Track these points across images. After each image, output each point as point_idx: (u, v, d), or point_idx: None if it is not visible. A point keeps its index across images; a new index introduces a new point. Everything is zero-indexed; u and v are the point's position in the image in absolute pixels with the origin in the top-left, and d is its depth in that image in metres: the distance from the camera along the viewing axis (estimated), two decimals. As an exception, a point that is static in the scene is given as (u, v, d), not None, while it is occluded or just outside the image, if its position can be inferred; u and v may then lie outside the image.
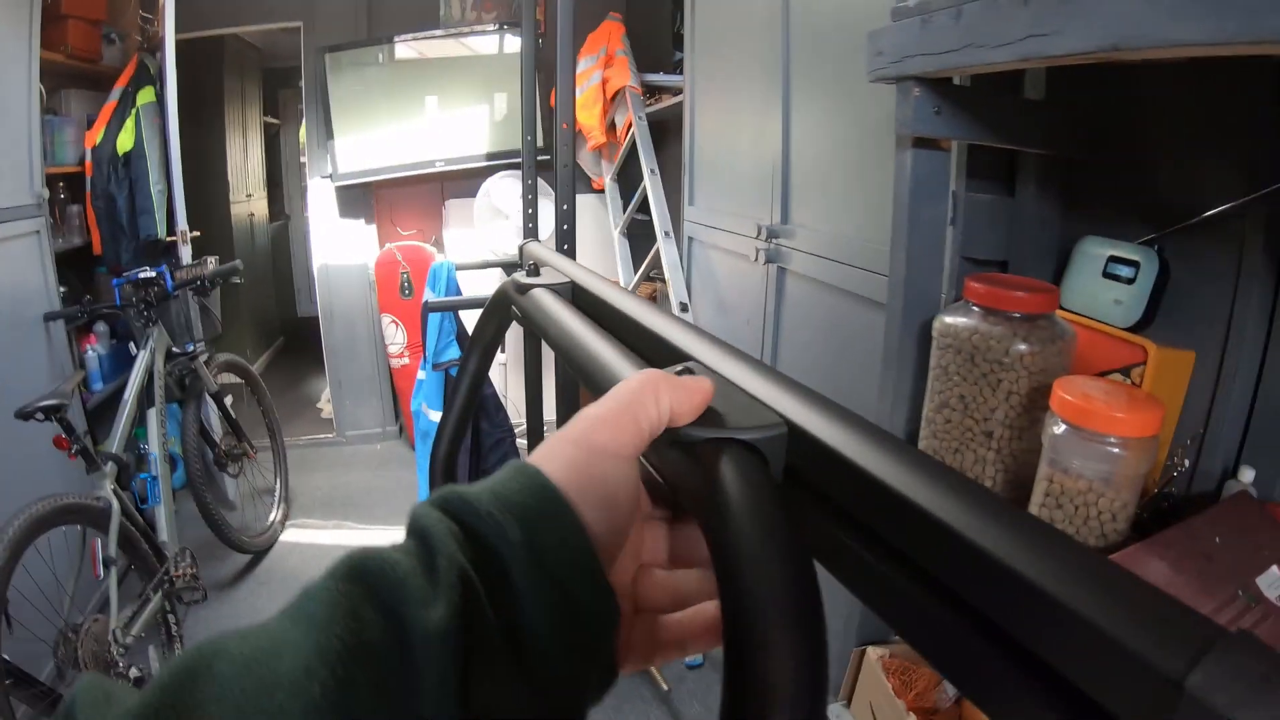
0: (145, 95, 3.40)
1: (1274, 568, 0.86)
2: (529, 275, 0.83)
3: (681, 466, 0.38)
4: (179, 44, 3.40)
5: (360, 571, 0.31)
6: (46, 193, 2.86)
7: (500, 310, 0.90)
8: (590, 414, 0.38)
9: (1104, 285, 1.15)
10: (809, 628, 0.29)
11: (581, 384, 0.53)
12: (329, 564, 0.32)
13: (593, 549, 0.34)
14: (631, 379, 0.39)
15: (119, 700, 0.27)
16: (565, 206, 2.15)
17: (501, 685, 0.31)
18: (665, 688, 2.41)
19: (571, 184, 2.16)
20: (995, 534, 0.28)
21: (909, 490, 0.32)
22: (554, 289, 0.77)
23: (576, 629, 0.33)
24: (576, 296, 0.76)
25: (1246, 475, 1.03)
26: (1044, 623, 0.26)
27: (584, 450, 0.36)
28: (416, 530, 0.33)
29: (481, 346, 1.02)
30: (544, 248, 1.13)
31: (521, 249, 1.19)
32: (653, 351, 0.55)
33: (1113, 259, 1.15)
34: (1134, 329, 1.11)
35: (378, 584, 0.30)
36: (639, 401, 0.38)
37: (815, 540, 0.37)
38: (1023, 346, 0.99)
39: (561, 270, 0.85)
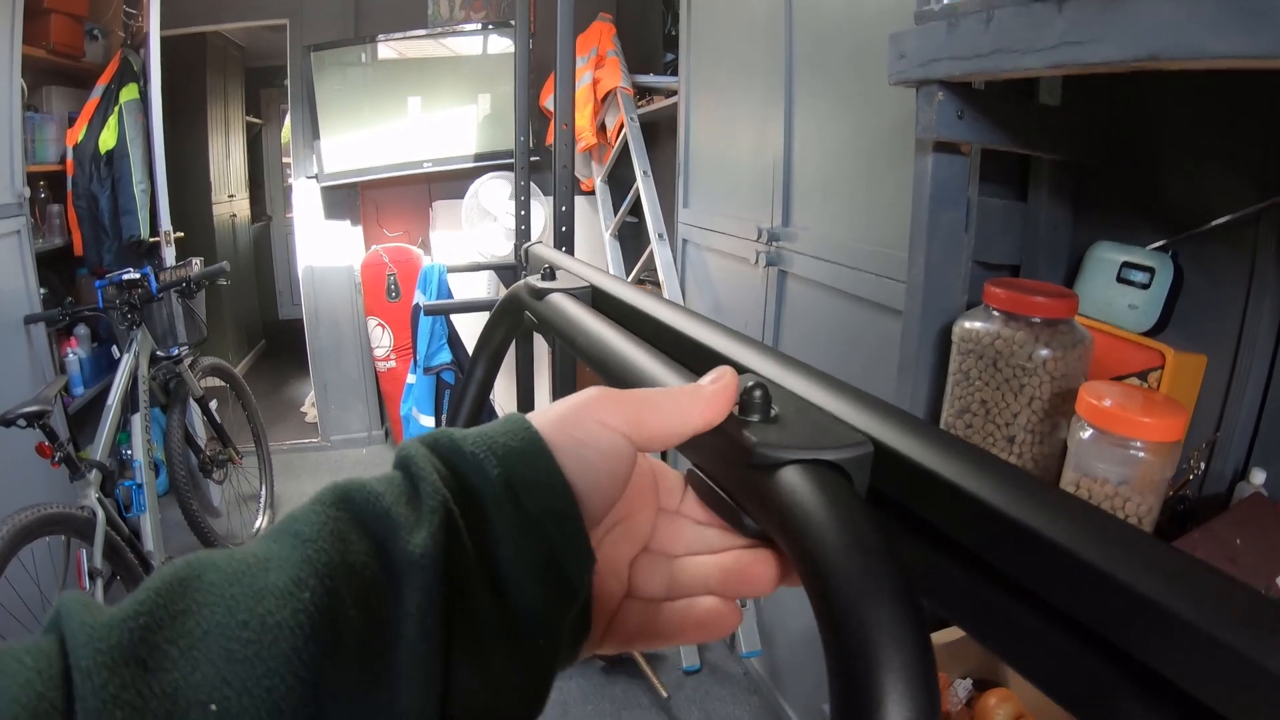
0: (128, 92, 3.35)
1: (1297, 570, 0.86)
2: (544, 279, 0.81)
3: (757, 488, 0.36)
4: (163, 41, 3.35)
5: (346, 499, 0.32)
6: (27, 192, 2.81)
7: (511, 316, 0.87)
8: (602, 390, 0.39)
9: (1118, 290, 1.16)
10: (923, 669, 0.27)
11: None
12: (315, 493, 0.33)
13: (570, 492, 0.34)
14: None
15: (105, 609, 0.27)
16: (564, 208, 2.14)
17: (479, 615, 0.31)
18: (664, 694, 2.40)
19: (570, 185, 2.15)
20: (1110, 551, 0.27)
21: (1009, 506, 0.30)
22: (573, 293, 0.75)
23: (550, 567, 0.33)
24: (598, 302, 0.74)
25: (1258, 477, 1.03)
26: (1173, 645, 0.25)
27: (574, 410, 0.37)
28: (401, 462, 0.34)
29: (489, 353, 0.99)
30: (553, 250, 1.11)
31: (527, 251, 1.16)
32: (693, 360, 0.52)
33: (1127, 264, 1.15)
34: (1149, 334, 1.12)
35: (363, 511, 0.31)
36: (653, 399, 0.38)
37: (906, 563, 0.35)
38: (1045, 352, 0.99)
39: (579, 274, 0.83)
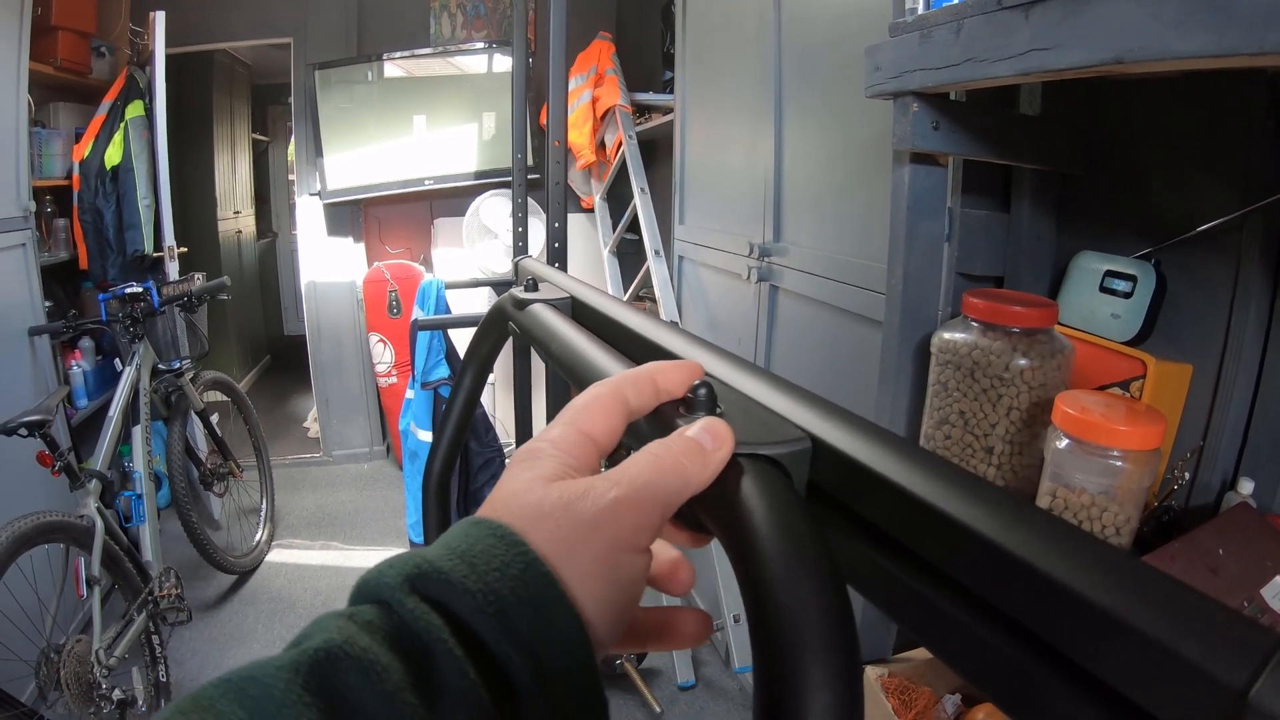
0: (134, 109, 3.38)
1: (1277, 579, 0.85)
2: (526, 291, 0.82)
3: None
4: (168, 58, 3.39)
5: (334, 683, 0.26)
6: (33, 205, 2.84)
7: (497, 326, 0.89)
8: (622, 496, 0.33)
9: (1101, 300, 1.15)
10: (845, 652, 0.28)
11: None
12: (303, 637, 0.28)
13: (597, 679, 0.30)
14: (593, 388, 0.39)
15: None
16: (557, 224, 2.15)
17: None
18: (658, 709, 2.39)
19: (564, 202, 2.15)
20: (1036, 544, 0.27)
21: (940, 501, 0.31)
22: (553, 304, 0.76)
23: None
24: (577, 311, 0.75)
25: (1246, 487, 1.03)
26: (1096, 636, 0.25)
27: (607, 545, 0.32)
28: (409, 629, 0.29)
29: (477, 363, 1.00)
30: (540, 263, 1.12)
31: (517, 265, 1.18)
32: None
33: (1109, 273, 1.15)
34: (1132, 343, 1.11)
35: (356, 706, 0.26)
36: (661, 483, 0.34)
37: (840, 556, 0.35)
38: (1023, 361, 0.99)
39: (560, 285, 0.84)
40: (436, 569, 0.29)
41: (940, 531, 0.31)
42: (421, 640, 0.28)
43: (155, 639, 2.46)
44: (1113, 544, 0.88)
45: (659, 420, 0.40)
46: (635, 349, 0.58)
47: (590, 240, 4.02)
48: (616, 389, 0.39)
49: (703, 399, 0.39)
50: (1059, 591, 0.26)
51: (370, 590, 0.30)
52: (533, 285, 0.83)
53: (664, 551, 0.40)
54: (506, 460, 3.15)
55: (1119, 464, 0.88)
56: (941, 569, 0.31)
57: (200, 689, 0.25)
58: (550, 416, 2.35)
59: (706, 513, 0.36)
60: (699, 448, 0.35)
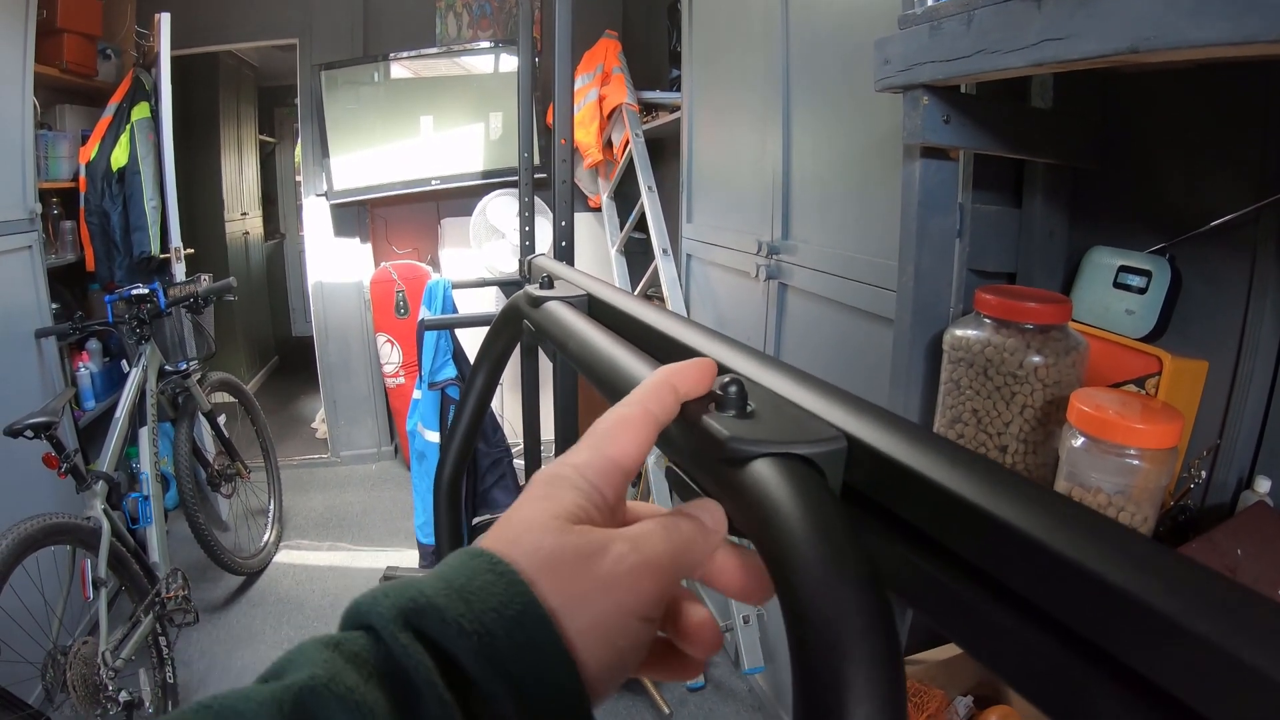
0: (140, 111, 3.38)
1: (1299, 581, 0.84)
2: (541, 288, 0.81)
3: (730, 482, 0.36)
4: (174, 60, 3.40)
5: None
6: (39, 208, 2.84)
7: (511, 325, 0.88)
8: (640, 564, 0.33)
9: (1115, 295, 1.14)
10: (887, 661, 0.27)
11: (605, 398, 0.50)
12: (284, 666, 0.27)
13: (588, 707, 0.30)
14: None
15: None
16: (564, 223, 2.14)
17: None
18: (666, 711, 2.38)
19: (570, 201, 2.14)
20: (1085, 544, 0.26)
21: (986, 501, 0.29)
22: (569, 301, 0.75)
23: None
24: (594, 309, 0.74)
25: (1263, 485, 1.01)
26: (1155, 640, 0.23)
27: (614, 609, 0.31)
28: (392, 663, 0.28)
29: (490, 363, 0.99)
30: (555, 261, 1.11)
31: (529, 263, 1.17)
32: (679, 359, 0.52)
33: (1123, 269, 1.13)
34: (1147, 339, 1.10)
35: None
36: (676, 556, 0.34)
37: (880, 561, 0.34)
38: (1037, 358, 0.97)
39: (575, 282, 0.83)
40: (432, 604, 0.28)
41: (985, 532, 0.29)
42: (410, 678, 0.27)
43: (162, 640, 2.46)
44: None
45: (687, 424, 0.39)
46: (655, 346, 0.56)
47: (598, 239, 4.01)
48: (643, 407, 0.38)
49: (733, 396, 0.38)
50: (1112, 593, 0.24)
51: (362, 617, 0.29)
52: (548, 283, 0.82)
53: (694, 613, 0.37)
54: (515, 460, 3.16)
55: (1135, 463, 0.87)
56: (987, 571, 0.30)
57: (179, 713, 0.25)
58: (558, 417, 2.34)
59: (740, 515, 0.35)
60: (703, 527, 0.36)
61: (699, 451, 0.38)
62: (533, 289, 0.80)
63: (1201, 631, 0.22)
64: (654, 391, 0.38)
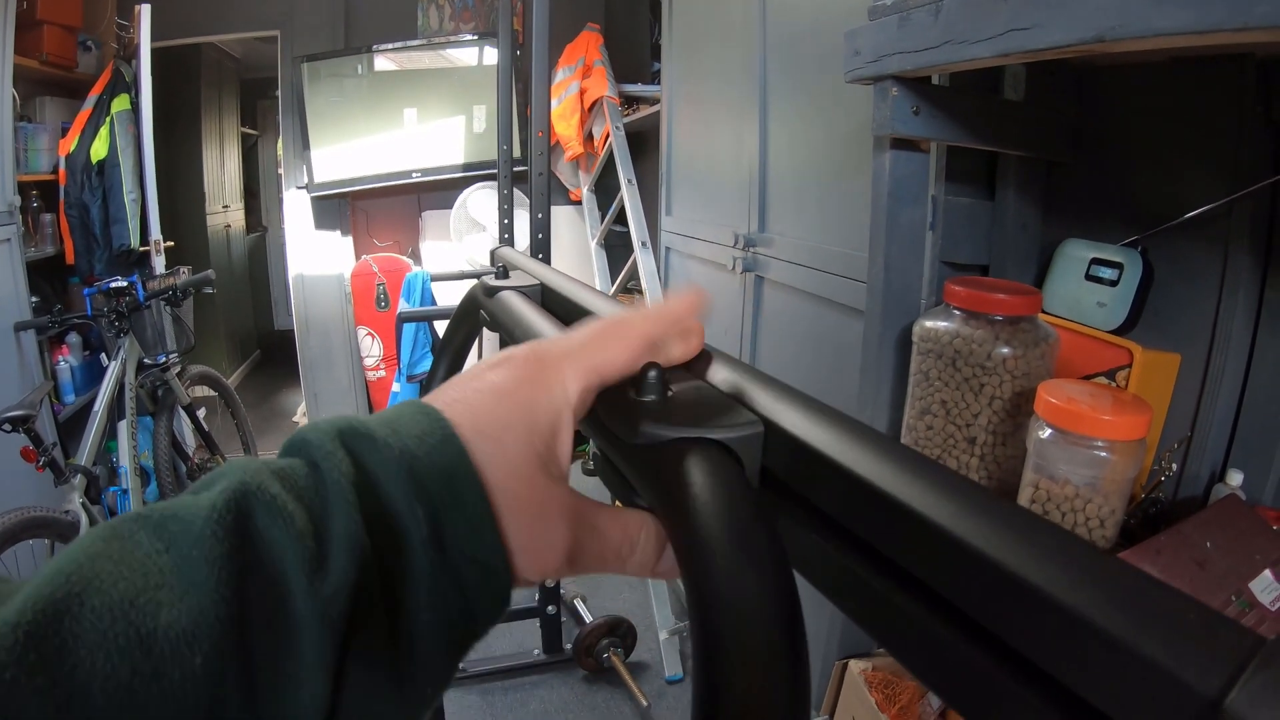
0: (120, 103, 3.36)
1: (1267, 572, 0.84)
2: (497, 278, 0.81)
3: (646, 467, 0.35)
4: (155, 52, 3.37)
5: (248, 521, 0.27)
6: (19, 200, 2.83)
7: (469, 315, 0.87)
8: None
9: (1087, 288, 1.14)
10: (790, 642, 0.26)
11: None
12: (214, 479, 0.29)
13: (499, 543, 0.31)
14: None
15: None
16: (540, 215, 2.12)
17: (374, 661, 0.28)
18: (645, 703, 2.37)
19: (547, 193, 2.13)
20: (997, 536, 0.25)
21: (898, 490, 0.29)
22: (522, 291, 0.75)
23: (459, 622, 0.31)
24: (546, 299, 0.74)
25: (1235, 478, 1.01)
26: (1057, 636, 0.23)
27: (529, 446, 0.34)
28: (315, 475, 0.30)
29: (450, 353, 0.98)
30: (516, 252, 1.10)
31: (493, 254, 1.16)
32: None
33: (1095, 261, 1.13)
34: (1118, 331, 1.09)
35: (269, 542, 0.27)
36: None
37: (795, 548, 0.34)
38: (1005, 350, 0.97)
39: (531, 272, 0.83)
40: (365, 427, 0.31)
41: (895, 521, 0.29)
42: (324, 488, 0.29)
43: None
44: (1092, 538, 0.87)
45: (606, 408, 0.38)
46: None
47: (578, 232, 4.00)
48: (645, 328, 0.39)
49: (652, 381, 0.37)
50: (1019, 587, 0.24)
51: (298, 443, 0.31)
52: (503, 273, 0.82)
53: (624, 520, 0.37)
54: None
55: (1104, 455, 0.86)
56: (897, 562, 0.29)
57: (118, 521, 0.26)
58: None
59: (654, 499, 0.35)
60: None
61: (616, 435, 0.37)
62: (489, 279, 0.80)
63: (1104, 626, 0.21)
64: (664, 318, 0.40)
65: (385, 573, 0.29)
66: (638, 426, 0.35)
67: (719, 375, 0.41)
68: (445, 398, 0.34)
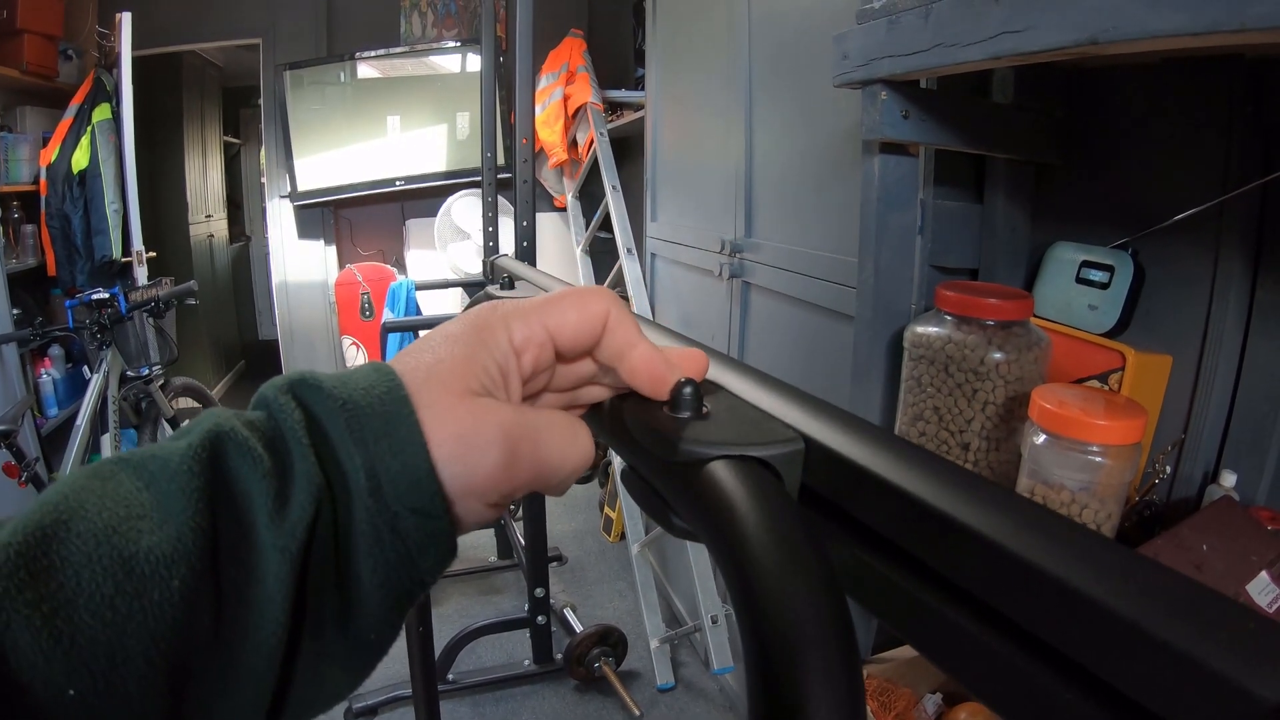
0: (101, 112, 3.33)
1: (1263, 574, 0.83)
2: (502, 289, 0.80)
3: (686, 485, 0.35)
4: (136, 61, 3.35)
5: (221, 459, 0.30)
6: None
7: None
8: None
9: (1078, 291, 1.13)
10: (847, 667, 0.26)
11: None
12: (190, 428, 0.31)
13: (438, 489, 0.32)
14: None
15: None
16: (525, 223, 2.11)
17: (323, 603, 0.31)
18: (637, 712, 2.36)
19: (532, 200, 2.12)
20: (1053, 549, 0.25)
21: (945, 503, 0.28)
22: None
23: (400, 566, 0.32)
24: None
25: (1228, 480, 1.01)
26: (1117, 646, 0.22)
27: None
28: (276, 424, 0.32)
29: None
30: (517, 262, 1.10)
31: (491, 264, 1.16)
32: None
33: (1086, 264, 1.13)
34: (1110, 334, 1.09)
35: (238, 480, 0.30)
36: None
37: (837, 564, 0.33)
38: (998, 355, 0.96)
39: (536, 283, 0.82)
40: (315, 378, 0.33)
41: (943, 535, 0.28)
42: (281, 433, 0.31)
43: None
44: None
45: (641, 426, 0.38)
46: None
47: (563, 239, 3.99)
48: (620, 312, 0.39)
49: (687, 398, 0.37)
50: (1075, 598, 0.23)
51: (259, 397, 0.34)
52: (509, 283, 0.81)
53: (639, 353, 0.39)
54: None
55: (1099, 459, 0.86)
56: (946, 575, 0.29)
57: (99, 464, 0.29)
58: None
59: (695, 518, 0.35)
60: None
61: (653, 454, 0.37)
62: (493, 289, 0.80)
63: (1161, 635, 0.21)
64: (637, 323, 0.40)
65: (335, 519, 0.31)
66: (677, 444, 0.35)
67: (750, 390, 0.41)
68: (403, 355, 0.36)
